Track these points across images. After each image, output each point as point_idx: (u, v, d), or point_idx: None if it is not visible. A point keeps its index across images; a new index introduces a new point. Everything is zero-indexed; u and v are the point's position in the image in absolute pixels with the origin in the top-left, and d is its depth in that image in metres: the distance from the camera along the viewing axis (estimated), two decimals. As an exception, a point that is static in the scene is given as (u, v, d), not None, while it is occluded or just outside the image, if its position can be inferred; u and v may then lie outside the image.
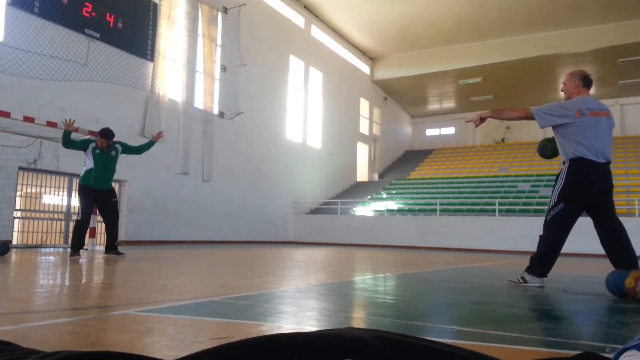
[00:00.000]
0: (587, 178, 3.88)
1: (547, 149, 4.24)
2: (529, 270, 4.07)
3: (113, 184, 6.92)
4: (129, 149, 6.93)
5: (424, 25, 19.67)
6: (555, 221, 3.95)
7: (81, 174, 6.66)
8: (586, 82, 4.09)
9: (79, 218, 6.57)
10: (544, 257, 4.01)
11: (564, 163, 4.03)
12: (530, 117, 4.00)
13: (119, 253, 6.69)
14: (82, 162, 6.76)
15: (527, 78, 22.32)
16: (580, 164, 3.88)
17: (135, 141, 11.29)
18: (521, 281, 4.07)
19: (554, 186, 4.05)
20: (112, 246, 6.73)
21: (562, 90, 4.25)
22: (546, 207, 4.07)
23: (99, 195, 6.60)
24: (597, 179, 3.90)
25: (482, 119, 4.11)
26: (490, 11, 18.27)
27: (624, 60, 19.66)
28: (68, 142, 6.46)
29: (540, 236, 4.06)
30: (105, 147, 6.60)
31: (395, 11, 18.67)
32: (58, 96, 10.01)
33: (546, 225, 4.02)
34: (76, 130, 6.58)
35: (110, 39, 11.01)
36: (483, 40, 20.86)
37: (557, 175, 4.06)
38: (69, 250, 6.57)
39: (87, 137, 7.08)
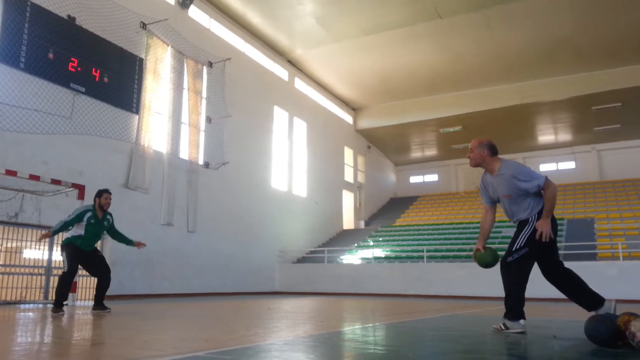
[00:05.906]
0: (553, 230, 4.12)
1: (490, 259, 4.33)
2: (507, 316, 4.09)
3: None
4: (112, 228, 6.80)
5: (403, 77, 20.33)
6: (519, 263, 4.07)
7: (67, 235, 6.48)
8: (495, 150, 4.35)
9: (65, 271, 6.32)
10: (516, 300, 4.04)
11: (527, 219, 4.19)
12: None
13: (106, 308, 6.50)
14: (66, 220, 6.55)
15: (505, 126, 22.95)
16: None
17: (120, 192, 11.26)
18: (503, 328, 4.07)
19: (518, 230, 4.23)
20: (101, 301, 6.53)
21: (468, 157, 4.40)
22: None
23: (84, 254, 6.45)
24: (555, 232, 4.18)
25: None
26: (466, 63, 18.99)
27: (597, 108, 20.41)
28: (66, 228, 6.37)
29: (504, 278, 4.13)
30: (107, 207, 6.54)
31: (374, 64, 19.32)
32: (41, 149, 9.97)
33: (508, 266, 4.11)
34: (49, 236, 6.41)
35: (96, 92, 11.12)
36: (461, 91, 21.56)
37: (522, 223, 4.24)
38: (50, 306, 6.31)
39: (80, 210, 6.61)
